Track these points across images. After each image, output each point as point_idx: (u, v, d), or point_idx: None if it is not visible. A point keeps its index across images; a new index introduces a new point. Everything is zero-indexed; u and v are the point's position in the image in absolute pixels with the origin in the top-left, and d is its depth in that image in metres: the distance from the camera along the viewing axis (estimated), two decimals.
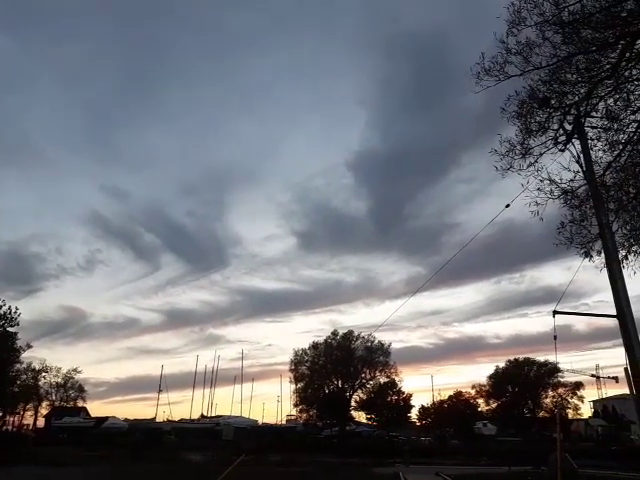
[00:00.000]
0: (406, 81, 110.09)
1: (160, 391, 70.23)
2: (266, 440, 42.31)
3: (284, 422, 67.56)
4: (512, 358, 64.57)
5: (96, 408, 75.05)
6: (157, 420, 65.59)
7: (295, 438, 45.97)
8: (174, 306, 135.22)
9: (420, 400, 73.08)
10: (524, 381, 60.48)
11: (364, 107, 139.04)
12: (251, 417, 69.69)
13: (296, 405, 54.86)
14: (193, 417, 69.27)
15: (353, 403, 55.00)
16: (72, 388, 65.56)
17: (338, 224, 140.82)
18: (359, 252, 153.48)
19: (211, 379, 73.17)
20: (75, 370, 64.87)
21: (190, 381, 73.93)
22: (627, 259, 8.97)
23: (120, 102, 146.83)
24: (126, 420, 63.76)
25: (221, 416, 65.46)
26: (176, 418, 68.47)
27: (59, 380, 64.37)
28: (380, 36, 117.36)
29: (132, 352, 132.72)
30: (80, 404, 67.93)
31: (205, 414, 70.27)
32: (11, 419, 60.66)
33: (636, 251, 8.75)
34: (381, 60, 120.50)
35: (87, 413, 68.25)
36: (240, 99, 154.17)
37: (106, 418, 58.20)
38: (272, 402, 78.21)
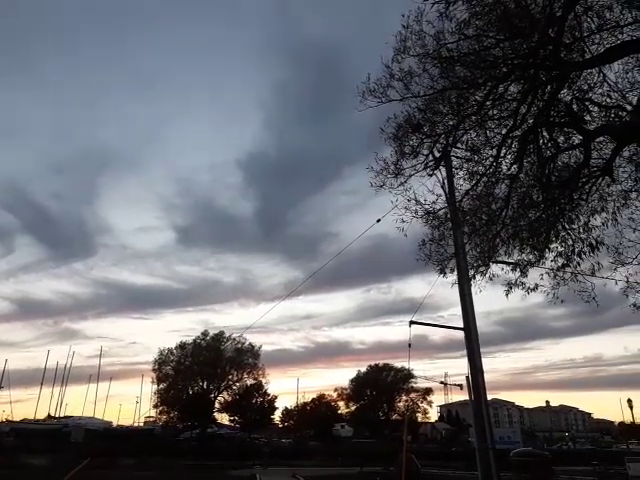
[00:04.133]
0: (304, 89, 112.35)
1: (1, 388, 63.12)
2: (120, 443, 39.90)
3: (142, 424, 64.34)
4: (373, 363, 68.26)
5: None
6: None
7: (152, 440, 44.02)
8: (26, 295, 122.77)
9: (286, 402, 74.25)
10: (382, 386, 63.98)
11: (261, 109, 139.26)
12: (105, 418, 65.45)
13: (156, 406, 52.56)
14: (39, 417, 63.26)
15: (217, 405, 54.17)
16: None
17: (222, 222, 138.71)
18: (240, 252, 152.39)
19: (62, 376, 67.49)
20: None
21: (38, 378, 67.42)
22: (475, 278, 9.98)
23: None
24: None
25: (71, 417, 60.57)
26: (18, 418, 62.00)
27: None
28: (284, 41, 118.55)
29: None
30: None
31: (53, 414, 64.54)
32: None
33: (483, 272, 9.76)
34: (283, 65, 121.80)
35: None
36: (128, 77, 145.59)
37: None
38: (131, 403, 74.29)
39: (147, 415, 63.98)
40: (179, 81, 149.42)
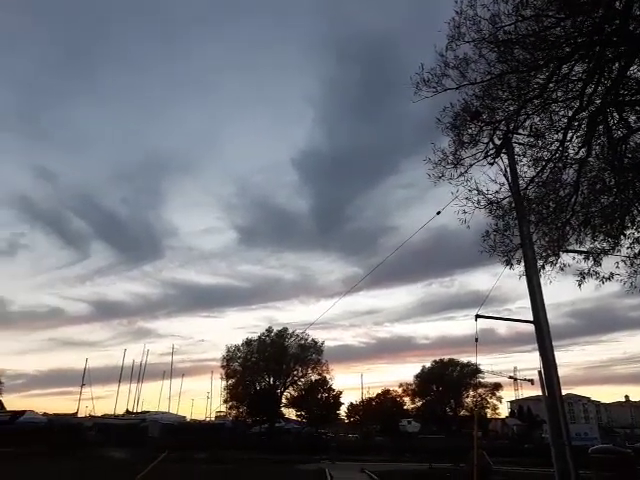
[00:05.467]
0: (354, 83, 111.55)
1: (83, 385, 67.27)
2: (193, 437, 41.51)
3: (213, 419, 66.63)
4: (438, 358, 67.20)
5: (12, 401, 70.89)
6: (79, 415, 62.71)
7: (223, 435, 45.45)
8: (102, 297, 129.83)
9: (350, 398, 74.59)
10: (448, 381, 62.86)
11: (312, 106, 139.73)
12: (179, 413, 68.23)
13: (226, 402, 54.23)
14: (118, 413, 66.87)
15: (284, 400, 55.15)
16: None
17: (279, 221, 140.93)
18: (299, 250, 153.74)
19: (139, 374, 70.92)
20: None
21: (116, 375, 71.23)
22: (544, 269, 9.55)
23: (53, 77, 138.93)
24: (45, 415, 60.38)
25: (148, 412, 63.52)
26: (99, 413, 65.84)
27: None
28: (332, 36, 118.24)
29: (55, 343, 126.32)
30: None
31: (130, 410, 67.99)
32: None
33: (552, 262, 9.33)
34: (331, 60, 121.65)
35: (2, 406, 64.15)
36: (184, 85, 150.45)
37: (23, 412, 54.79)
38: (202, 398, 77.03)
39: (218, 410, 66.20)
40: (231, 83, 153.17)
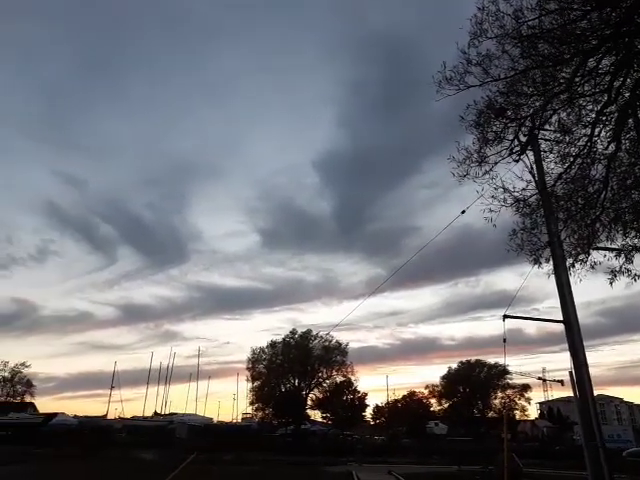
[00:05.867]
0: (375, 83, 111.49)
1: (112, 387, 68.57)
2: (220, 438, 41.88)
3: (239, 420, 67.10)
4: (464, 359, 66.30)
5: (45, 404, 72.67)
6: (108, 417, 63.95)
7: (250, 436, 45.73)
8: (130, 301, 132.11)
9: (375, 399, 74.31)
10: (475, 382, 62.03)
11: (332, 107, 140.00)
12: (206, 415, 68.94)
13: (252, 403, 54.55)
14: (146, 415, 67.93)
15: (309, 402, 55.19)
16: (20, 383, 63.23)
17: (301, 223, 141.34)
18: (321, 252, 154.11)
19: (166, 376, 71.97)
20: (23, 364, 62.64)
21: (144, 378, 72.51)
22: (574, 267, 9.33)
23: (79, 86, 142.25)
24: (76, 417, 61.76)
25: (175, 414, 64.38)
26: (128, 415, 66.98)
27: (6, 374, 62.02)
28: (350, 36, 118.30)
29: (84, 347, 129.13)
30: (28, 399, 65.51)
31: (159, 412, 69.01)
32: None
33: (582, 260, 9.12)
34: (351, 60, 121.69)
35: (35, 409, 65.83)
36: (205, 91, 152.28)
37: (55, 414, 56.14)
38: (228, 400, 77.62)
39: (244, 412, 66.66)
40: (251, 88, 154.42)
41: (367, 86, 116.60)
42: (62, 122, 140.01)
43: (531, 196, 9.19)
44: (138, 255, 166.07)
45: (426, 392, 67.34)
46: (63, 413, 59.17)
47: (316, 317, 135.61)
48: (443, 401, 64.90)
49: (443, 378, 65.39)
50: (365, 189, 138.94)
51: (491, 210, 9.07)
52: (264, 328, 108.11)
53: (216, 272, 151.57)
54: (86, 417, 63.39)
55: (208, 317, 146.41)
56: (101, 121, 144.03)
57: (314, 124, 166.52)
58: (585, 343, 9.74)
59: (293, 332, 56.47)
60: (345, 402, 56.46)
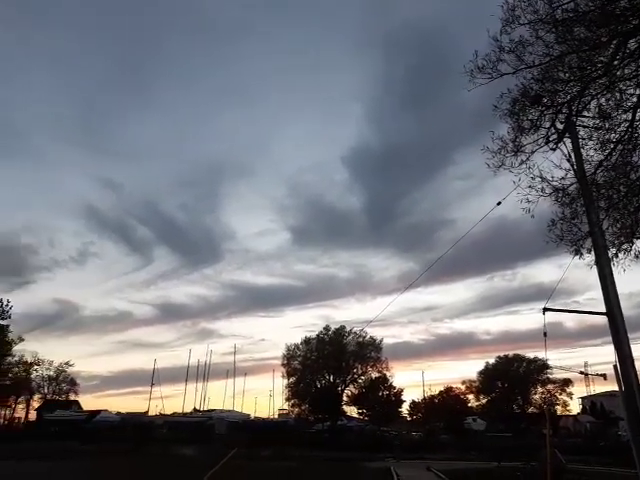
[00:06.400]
0: (403, 76, 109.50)
1: (153, 385, 70.24)
2: (258, 434, 42.40)
3: (276, 416, 67.76)
4: (502, 354, 65.30)
5: (88, 401, 74.89)
6: (149, 414, 65.57)
7: (287, 433, 46.10)
8: (167, 300, 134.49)
9: (411, 395, 73.82)
10: (514, 377, 60.93)
11: (361, 103, 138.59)
12: (244, 411, 69.84)
13: (288, 400, 55.08)
14: (186, 411, 69.35)
15: (345, 398, 55.30)
16: (64, 381, 65.47)
17: (331, 219, 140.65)
18: (352, 248, 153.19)
19: (204, 373, 73.23)
20: (67, 363, 64.80)
21: (182, 375, 73.87)
22: (617, 257, 9.02)
23: (112, 91, 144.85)
24: (118, 414, 63.62)
25: (214, 410, 65.50)
26: (169, 412, 68.52)
27: (51, 373, 64.27)
28: (377, 29, 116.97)
29: (124, 346, 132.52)
30: (72, 397, 67.84)
31: (198, 408, 70.32)
32: (2, 412, 60.53)
33: (626, 249, 8.81)
34: (378, 54, 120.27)
35: (79, 406, 68.15)
36: (233, 91, 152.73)
37: (98, 412, 58.03)
38: (264, 396, 78.30)
39: (281, 408, 67.31)
40: (278, 86, 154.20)
41: (396, 79, 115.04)
42: (97, 128, 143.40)
43: (570, 185, 8.92)
44: (173, 255, 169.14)
45: (463, 388, 66.65)
46: (106, 410, 61.07)
47: (349, 313, 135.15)
48: (481, 397, 64.05)
49: (480, 373, 64.54)
50: (396, 183, 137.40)
51: (528, 200, 8.86)
52: (297, 325, 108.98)
53: (249, 270, 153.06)
54: (128, 414, 65.16)
55: (243, 315, 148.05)
56: (133, 125, 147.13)
57: (342, 120, 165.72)
58: (630, 335, 9.41)
59: (327, 328, 56.76)
60: (381, 398, 56.38)
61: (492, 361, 64.72)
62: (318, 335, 56.13)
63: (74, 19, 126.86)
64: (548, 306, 9.98)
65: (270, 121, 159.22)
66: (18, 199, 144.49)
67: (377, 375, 55.64)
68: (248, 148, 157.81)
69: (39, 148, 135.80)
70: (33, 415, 63.65)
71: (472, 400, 65.55)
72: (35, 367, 60.98)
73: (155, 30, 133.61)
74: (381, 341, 55.68)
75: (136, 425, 47.48)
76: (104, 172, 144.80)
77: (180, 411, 69.41)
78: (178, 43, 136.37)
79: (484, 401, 63.36)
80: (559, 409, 61.57)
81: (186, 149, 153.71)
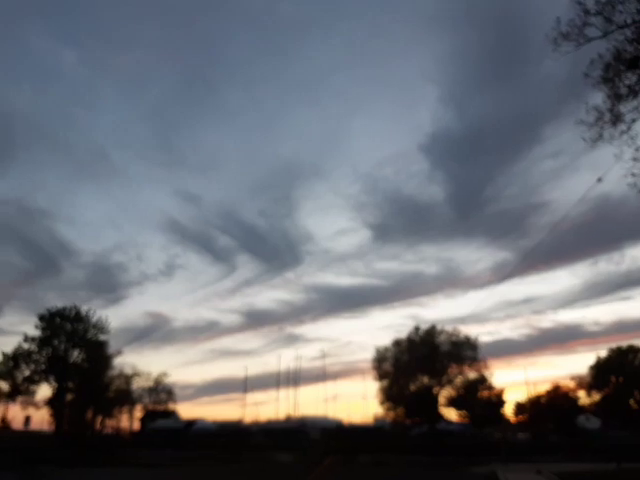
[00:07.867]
0: (478, 52, 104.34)
1: (245, 392, 72.38)
2: (353, 440, 42.19)
3: (371, 421, 67.16)
4: (615, 346, 60.81)
5: (185, 410, 78.09)
6: (244, 420, 67.63)
7: (383, 438, 45.49)
8: (252, 306, 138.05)
9: (514, 395, 70.18)
10: (630, 371, 56.30)
11: (434, 84, 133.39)
12: (336, 416, 69.99)
13: (382, 403, 54.39)
14: (279, 417, 70.78)
15: (442, 400, 53.69)
16: (162, 391, 69.11)
17: (413, 213, 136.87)
18: (438, 241, 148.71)
19: (294, 379, 74.28)
20: (164, 374, 68.44)
21: (271, 381, 75.25)
22: None
23: (180, 104, 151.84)
24: (214, 422, 66.16)
25: (307, 416, 66.21)
26: (262, 418, 70.23)
27: (150, 384, 68.17)
28: (444, 5, 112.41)
29: (215, 354, 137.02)
30: (170, 407, 71.53)
31: (291, 414, 71.50)
32: (109, 423, 65.05)
33: None
34: (449, 31, 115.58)
35: (178, 415, 71.73)
36: (299, 90, 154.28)
37: (195, 420, 60.73)
38: (355, 400, 77.90)
39: (375, 412, 66.59)
40: (346, 80, 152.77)
41: (471, 56, 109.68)
42: (170, 142, 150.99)
43: None
44: (255, 262, 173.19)
45: (572, 384, 62.49)
46: (202, 419, 63.79)
47: (439, 311, 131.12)
48: (593, 393, 59.77)
49: (591, 368, 60.30)
50: (480, 168, 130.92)
51: (633, 174, 7.93)
52: (385, 325, 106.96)
53: (330, 272, 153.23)
54: (224, 422, 67.55)
55: (327, 317, 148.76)
56: (205, 136, 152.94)
57: (415, 107, 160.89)
58: None
59: (417, 328, 55.53)
60: (481, 399, 54.15)
61: (604, 354, 60.44)
62: (408, 336, 55.11)
63: (139, 37, 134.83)
64: None
65: (340, 117, 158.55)
66: (106, 219, 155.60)
67: (475, 375, 53.57)
68: (319, 146, 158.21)
69: (121, 168, 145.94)
70: (136, 424, 67.84)
71: (583, 397, 61.38)
72: (135, 379, 64.86)
73: (217, 35, 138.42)
74: (477, 339, 53.64)
75: (232, 432, 49.11)
76: (181, 185, 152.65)
77: (273, 417, 70.90)
78: (241, 46, 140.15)
79: (597, 398, 59.10)
80: None
81: (257, 153, 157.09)
